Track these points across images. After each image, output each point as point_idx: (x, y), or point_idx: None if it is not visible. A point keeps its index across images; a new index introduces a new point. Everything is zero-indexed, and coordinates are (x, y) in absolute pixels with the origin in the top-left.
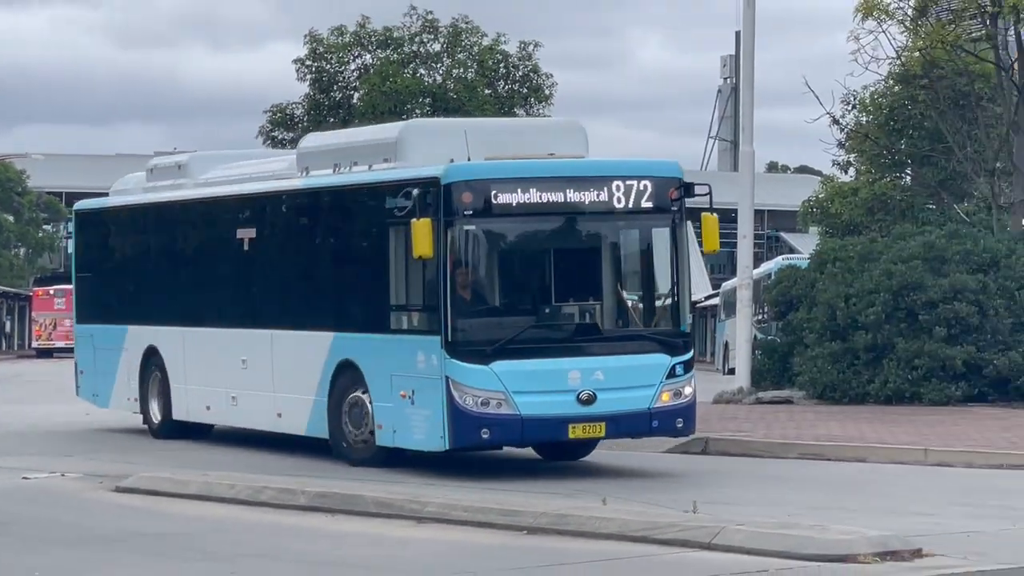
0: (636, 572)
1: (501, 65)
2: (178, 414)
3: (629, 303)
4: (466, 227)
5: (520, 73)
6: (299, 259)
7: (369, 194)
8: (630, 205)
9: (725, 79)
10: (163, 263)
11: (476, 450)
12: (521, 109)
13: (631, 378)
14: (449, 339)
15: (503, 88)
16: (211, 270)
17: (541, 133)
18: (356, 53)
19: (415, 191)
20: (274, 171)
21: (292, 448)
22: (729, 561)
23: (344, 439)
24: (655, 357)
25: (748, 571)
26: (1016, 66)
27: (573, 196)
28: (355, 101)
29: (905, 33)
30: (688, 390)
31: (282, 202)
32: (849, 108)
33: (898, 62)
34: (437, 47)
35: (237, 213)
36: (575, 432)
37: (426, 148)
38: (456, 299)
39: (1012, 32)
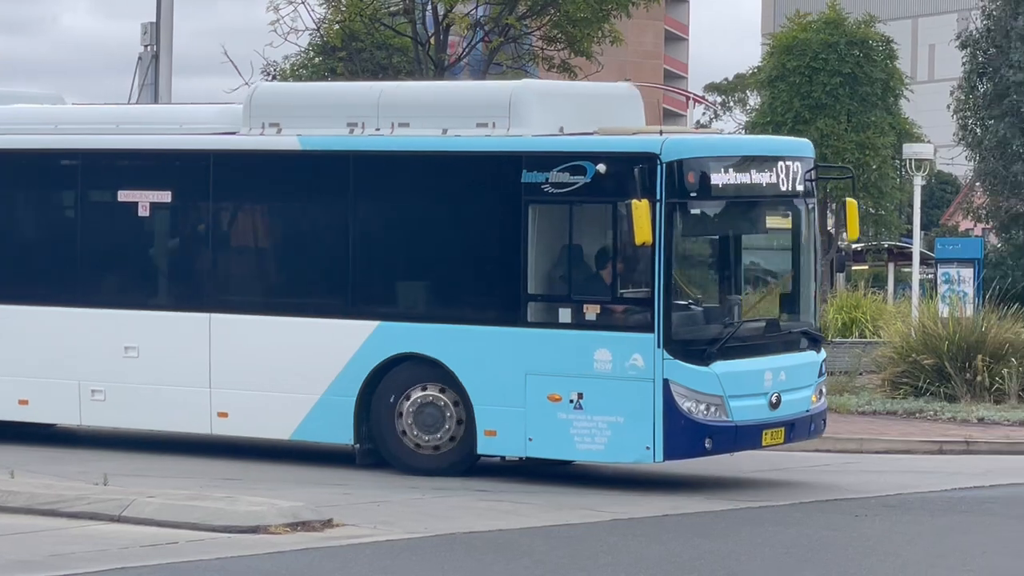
0: (44, 547)
1: None
2: None
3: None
4: (692, 210)
5: None
6: (296, 235)
7: (501, 163)
8: (792, 188)
9: (146, 46)
10: None
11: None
12: None
13: (800, 378)
14: (671, 337)
15: None
16: (50, 237)
17: (619, 101)
18: None
19: (601, 166)
20: (181, 123)
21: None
22: (140, 533)
23: (398, 445)
24: (811, 355)
25: (159, 543)
26: (432, 40)
27: (763, 177)
28: None
29: (324, 5)
30: (824, 390)
31: (278, 163)
32: (269, 78)
33: (318, 34)
34: None
35: (135, 171)
36: (766, 439)
37: (543, 114)
38: (676, 292)
39: (429, 7)
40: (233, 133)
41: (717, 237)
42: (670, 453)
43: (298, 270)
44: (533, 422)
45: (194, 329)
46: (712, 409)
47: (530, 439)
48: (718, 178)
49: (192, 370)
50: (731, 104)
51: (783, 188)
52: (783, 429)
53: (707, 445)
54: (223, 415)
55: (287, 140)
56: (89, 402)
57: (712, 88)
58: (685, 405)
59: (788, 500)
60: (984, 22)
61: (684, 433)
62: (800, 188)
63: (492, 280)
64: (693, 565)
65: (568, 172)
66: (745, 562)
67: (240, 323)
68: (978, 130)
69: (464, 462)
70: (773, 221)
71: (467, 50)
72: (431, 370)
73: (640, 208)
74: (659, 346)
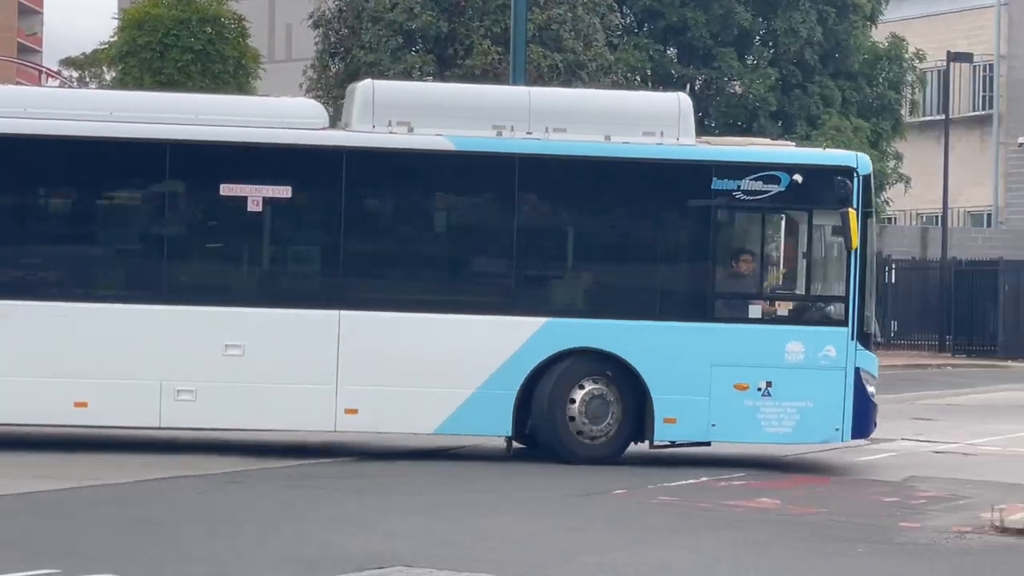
0: None
1: None
2: None
3: None
4: (874, 218)
5: None
6: (447, 233)
7: (691, 170)
8: None
9: None
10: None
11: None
12: None
13: None
14: (863, 329)
15: None
16: (135, 231)
17: None
18: None
19: (797, 176)
20: (283, 118)
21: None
22: None
23: (568, 435)
24: None
25: None
26: None
27: None
28: None
29: None
30: None
31: (426, 162)
32: None
33: None
34: None
35: (248, 165)
36: None
37: (694, 124)
38: (863, 289)
39: None
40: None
41: (869, 241)
42: (856, 433)
43: (449, 268)
44: (717, 409)
45: (320, 326)
46: (874, 391)
47: (713, 425)
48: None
49: (315, 367)
50: (88, 79)
51: None
52: None
53: (875, 423)
54: (351, 412)
55: (437, 140)
56: (173, 403)
57: (69, 63)
58: (869, 389)
59: (130, 478)
60: (337, 3)
61: (867, 414)
62: None
63: (677, 278)
64: (22, 544)
65: (761, 181)
66: (82, 540)
67: (378, 320)
68: (331, 109)
69: (622, 449)
70: None
71: None
72: (598, 363)
73: (853, 216)
74: (852, 338)
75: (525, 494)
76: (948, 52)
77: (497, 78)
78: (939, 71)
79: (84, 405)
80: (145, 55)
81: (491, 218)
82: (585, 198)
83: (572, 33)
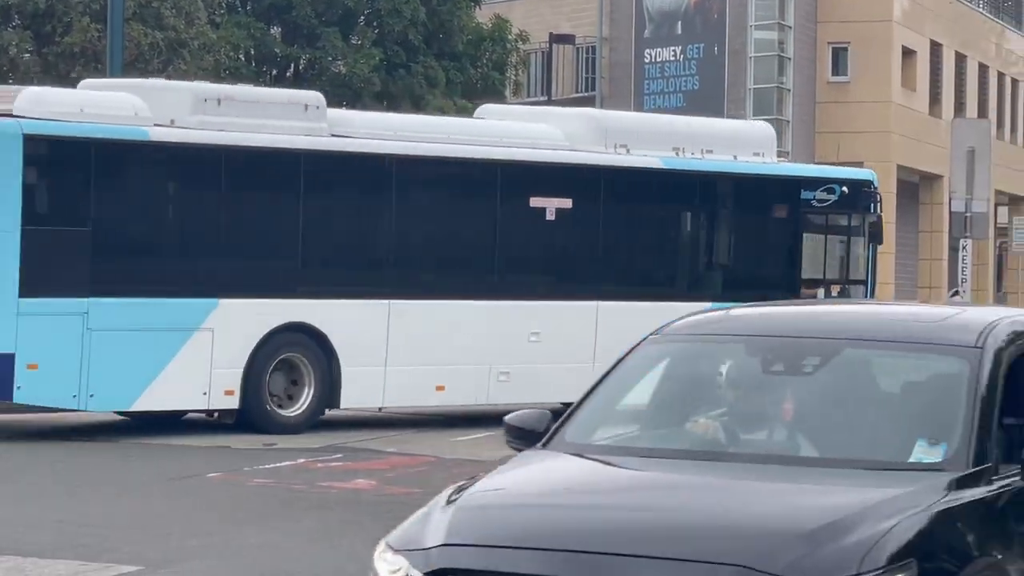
0: None
1: None
2: (369, 400)
3: None
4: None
5: None
6: (660, 236)
7: (791, 184)
8: None
9: None
10: (363, 226)
11: None
12: None
13: None
14: None
15: None
16: (470, 238)
17: None
18: None
19: (845, 188)
20: (534, 140)
21: None
22: None
23: None
24: None
25: None
26: None
27: None
28: None
29: None
30: None
31: (647, 178)
32: None
33: None
34: None
35: (547, 180)
36: None
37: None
38: (873, 272)
39: None
40: (573, 149)
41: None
42: None
43: (664, 263)
44: None
45: (584, 315)
46: None
47: None
48: None
49: (581, 349)
50: None
51: None
52: None
53: None
54: None
55: (654, 160)
56: (495, 384)
57: None
58: None
59: None
60: None
61: None
62: None
63: (779, 266)
64: None
65: (826, 192)
66: None
67: (618, 308)
68: None
69: None
70: None
71: None
72: None
73: (883, 219)
74: None
75: (123, 477)
76: (551, 34)
77: (96, 56)
78: (543, 52)
79: (442, 388)
80: None
81: (681, 223)
82: (730, 207)
83: (173, 11)
